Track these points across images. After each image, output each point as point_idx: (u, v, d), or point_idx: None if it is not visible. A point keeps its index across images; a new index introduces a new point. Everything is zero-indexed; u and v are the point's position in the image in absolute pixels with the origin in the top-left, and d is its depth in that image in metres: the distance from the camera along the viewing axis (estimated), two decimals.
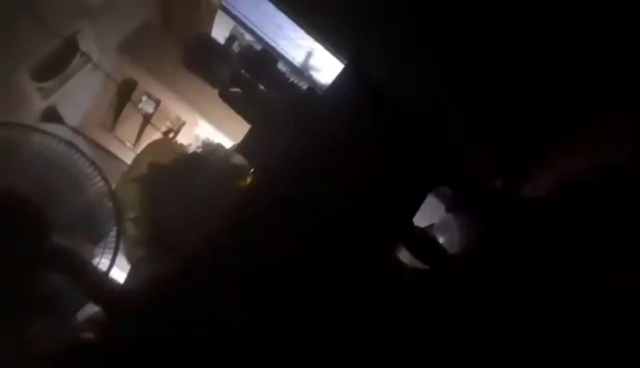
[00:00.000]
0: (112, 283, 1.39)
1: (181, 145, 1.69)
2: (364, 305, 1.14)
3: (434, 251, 1.25)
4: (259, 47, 1.90)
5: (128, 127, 2.10)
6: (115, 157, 1.96)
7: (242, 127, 1.42)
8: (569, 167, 1.36)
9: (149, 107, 2.10)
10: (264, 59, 1.47)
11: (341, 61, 1.73)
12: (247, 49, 1.83)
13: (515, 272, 1.15)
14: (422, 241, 1.25)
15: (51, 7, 1.62)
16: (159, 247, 1.40)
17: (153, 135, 2.05)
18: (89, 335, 1.28)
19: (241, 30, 1.97)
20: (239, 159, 1.49)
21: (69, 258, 1.34)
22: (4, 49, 1.53)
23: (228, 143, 1.84)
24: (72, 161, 1.39)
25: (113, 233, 1.39)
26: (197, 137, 2.08)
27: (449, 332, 1.12)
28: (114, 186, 1.44)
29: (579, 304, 1.06)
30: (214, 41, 1.78)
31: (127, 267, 1.47)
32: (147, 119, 2.08)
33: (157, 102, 2.09)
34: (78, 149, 1.40)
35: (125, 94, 2.05)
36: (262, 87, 1.44)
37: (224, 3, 2.07)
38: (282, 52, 1.99)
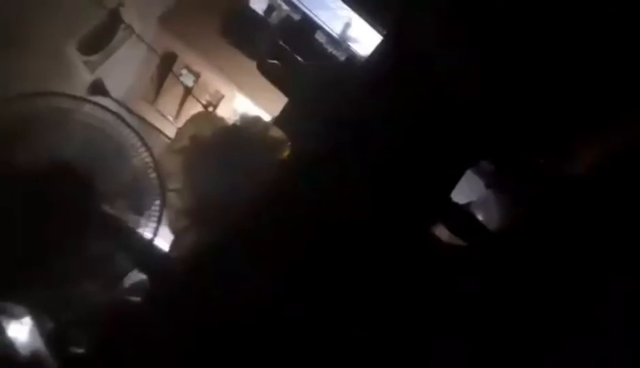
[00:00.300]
0: (157, 251, 1.45)
1: (221, 118, 1.71)
2: (402, 282, 1.14)
3: (472, 228, 1.23)
4: (297, 17, 1.88)
5: (169, 100, 2.14)
6: (157, 129, 2.01)
7: (279, 100, 1.42)
8: (614, 146, 1.30)
9: (189, 81, 2.12)
10: (302, 30, 1.46)
11: (379, 32, 1.69)
12: (285, 20, 1.81)
13: (555, 252, 1.12)
14: (461, 218, 1.23)
15: None
16: (200, 218, 1.44)
17: (193, 108, 2.08)
18: (134, 300, 1.34)
19: (279, 0, 1.96)
20: (276, 132, 1.50)
21: (117, 225, 1.40)
22: (53, 20, 1.58)
23: (266, 117, 1.84)
24: (119, 131, 1.43)
25: (157, 204, 1.44)
26: (235, 110, 2.10)
27: (488, 309, 1.11)
28: (157, 158, 1.48)
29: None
30: (252, 12, 1.77)
31: (170, 237, 1.53)
32: (187, 92, 2.11)
33: (197, 76, 2.12)
34: (124, 120, 1.45)
35: (166, 67, 2.08)
36: (300, 58, 1.43)
37: None
38: (321, 23, 1.96)
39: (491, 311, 1.10)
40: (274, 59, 1.43)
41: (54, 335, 1.26)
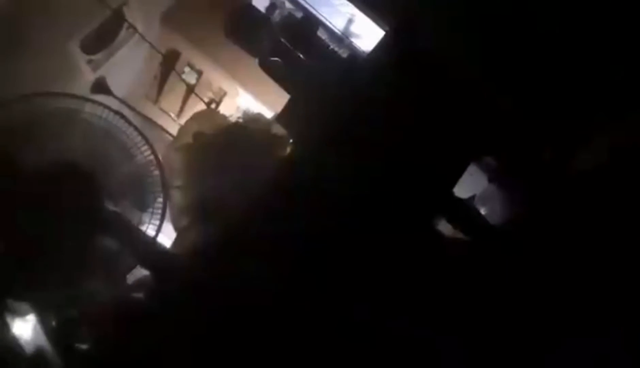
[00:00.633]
0: (160, 248, 1.46)
1: (224, 116, 1.71)
2: (404, 275, 1.14)
3: (475, 223, 1.23)
4: (299, 14, 1.87)
5: (172, 98, 2.14)
6: (160, 128, 2.01)
7: (282, 98, 1.42)
8: (619, 140, 1.29)
9: (191, 79, 2.12)
10: (304, 28, 1.46)
11: (382, 27, 1.68)
12: (288, 18, 1.81)
13: (560, 246, 1.12)
14: (463, 212, 1.23)
15: None
16: (202, 216, 1.45)
17: (196, 106, 2.08)
18: (138, 297, 1.35)
19: None
20: (279, 129, 1.50)
21: (120, 223, 1.41)
22: (56, 19, 1.59)
23: (268, 114, 1.84)
24: (122, 130, 1.44)
25: (160, 201, 1.45)
26: (237, 107, 2.10)
27: (491, 304, 1.10)
28: (160, 155, 1.49)
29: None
30: (254, 10, 1.77)
31: (173, 234, 1.53)
32: (190, 90, 2.11)
33: (200, 73, 2.12)
34: (127, 119, 1.45)
35: (169, 65, 2.08)
36: (302, 56, 1.43)
37: None
38: (323, 19, 1.95)
39: (492, 309, 1.10)
40: (276, 57, 1.43)
41: (58, 332, 1.26)
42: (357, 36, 1.95)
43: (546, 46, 1.33)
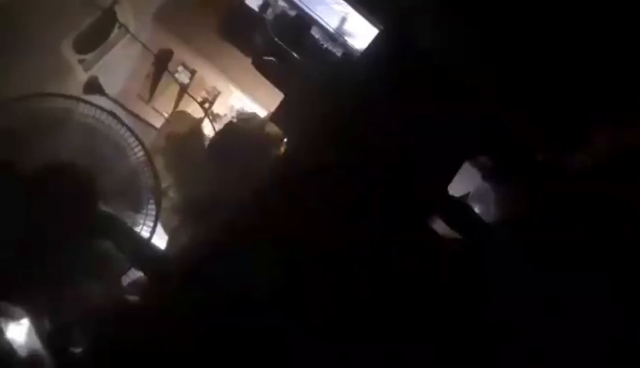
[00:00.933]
0: (154, 249, 1.45)
1: (196, 118, 1.72)
2: (399, 275, 1.14)
3: (469, 221, 1.23)
4: (293, 13, 1.87)
5: (165, 98, 2.13)
6: (153, 127, 2.00)
7: (276, 97, 1.42)
8: (617, 138, 1.29)
9: (184, 78, 2.11)
10: (297, 26, 1.46)
11: (376, 26, 1.68)
12: (281, 16, 1.80)
13: (554, 244, 1.12)
14: (457, 210, 1.23)
15: None
16: (191, 216, 1.44)
17: (189, 106, 2.07)
18: (134, 298, 1.34)
19: None
20: (272, 128, 1.50)
21: (115, 225, 1.40)
22: (49, 18, 1.58)
23: (262, 113, 1.84)
24: (115, 130, 1.43)
25: (153, 202, 1.44)
26: (231, 107, 2.09)
27: (485, 303, 1.11)
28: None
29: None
30: (247, 8, 1.77)
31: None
32: (183, 90, 2.10)
33: (193, 73, 2.11)
34: (119, 119, 1.45)
35: (161, 65, 2.07)
36: (295, 55, 1.42)
37: None
38: (317, 18, 1.95)
39: (488, 306, 1.10)
40: (270, 56, 1.43)
41: (53, 335, 1.26)
42: (350, 35, 1.94)
43: (545, 45, 1.33)
